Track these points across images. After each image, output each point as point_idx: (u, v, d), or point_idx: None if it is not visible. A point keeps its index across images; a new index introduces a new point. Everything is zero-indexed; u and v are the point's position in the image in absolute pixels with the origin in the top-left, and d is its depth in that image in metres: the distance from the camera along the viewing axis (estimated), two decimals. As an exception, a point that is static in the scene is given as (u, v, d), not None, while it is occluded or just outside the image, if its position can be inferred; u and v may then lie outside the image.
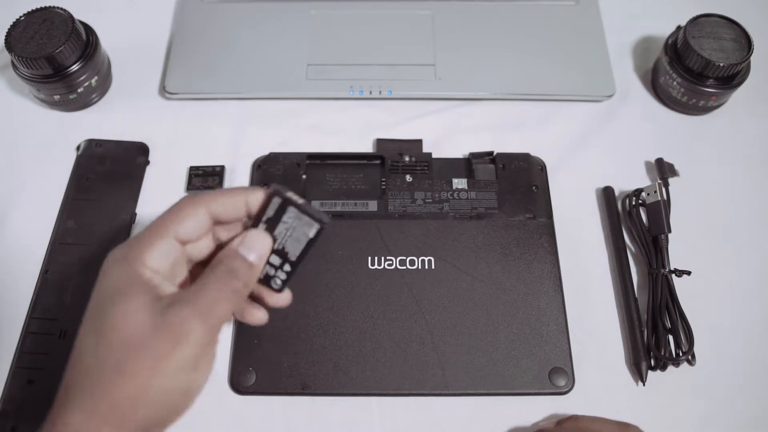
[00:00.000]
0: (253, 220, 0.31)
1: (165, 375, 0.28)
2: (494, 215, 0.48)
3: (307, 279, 0.45)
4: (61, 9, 0.49)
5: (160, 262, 0.29)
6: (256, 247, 0.31)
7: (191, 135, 0.53)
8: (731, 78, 0.50)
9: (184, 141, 0.52)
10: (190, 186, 0.49)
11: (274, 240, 0.31)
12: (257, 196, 0.31)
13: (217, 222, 0.31)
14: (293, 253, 0.31)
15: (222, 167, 0.50)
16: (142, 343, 0.27)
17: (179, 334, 0.28)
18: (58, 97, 0.51)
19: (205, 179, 0.49)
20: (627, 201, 0.48)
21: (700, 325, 0.43)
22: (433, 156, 0.50)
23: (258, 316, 0.33)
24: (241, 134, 0.53)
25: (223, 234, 0.32)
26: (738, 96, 0.53)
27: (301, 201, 0.30)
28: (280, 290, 0.32)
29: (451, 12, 0.57)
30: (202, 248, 0.32)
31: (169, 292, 0.29)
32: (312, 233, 0.31)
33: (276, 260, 0.31)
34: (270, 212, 0.30)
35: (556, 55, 0.55)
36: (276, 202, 0.30)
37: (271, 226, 0.31)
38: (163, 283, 0.30)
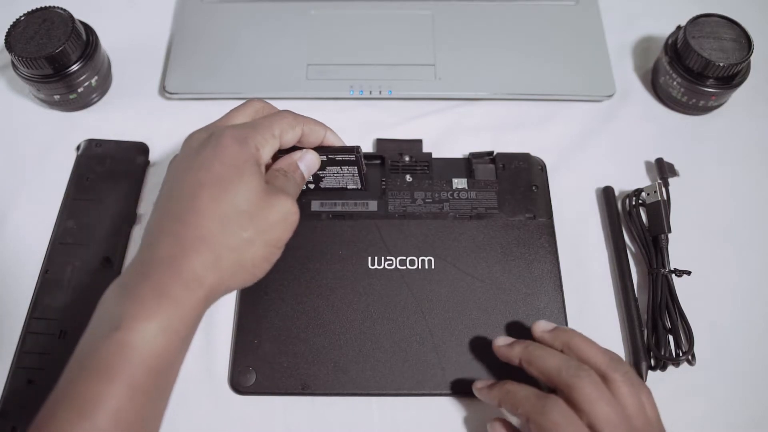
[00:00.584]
0: (320, 149, 0.41)
1: (277, 251, 0.37)
2: (494, 215, 0.48)
3: (307, 279, 0.45)
4: (61, 9, 0.49)
5: (267, 153, 0.37)
6: (310, 164, 0.41)
7: (191, 135, 0.53)
8: (731, 78, 0.50)
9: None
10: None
11: (323, 168, 0.43)
12: (333, 135, 0.41)
13: (300, 141, 0.40)
14: (324, 183, 0.44)
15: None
16: (256, 214, 0.35)
17: (287, 213, 0.36)
18: (58, 97, 0.51)
19: None
20: (627, 201, 0.48)
21: (700, 325, 0.43)
22: (433, 156, 0.50)
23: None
24: (242, 134, 0.53)
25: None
26: (738, 96, 0.53)
27: (365, 169, 0.43)
28: None
29: (451, 12, 0.57)
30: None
31: (265, 180, 0.37)
32: (350, 185, 0.45)
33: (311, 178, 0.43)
34: (338, 156, 0.41)
35: (556, 55, 0.55)
36: (349, 157, 0.41)
37: (330, 161, 0.42)
38: (261, 170, 0.37)
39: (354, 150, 0.41)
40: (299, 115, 0.40)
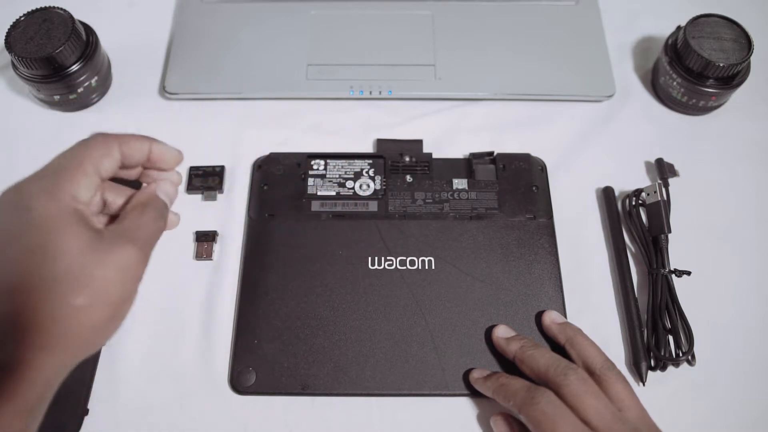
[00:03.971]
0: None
1: (112, 305, 0.29)
2: (494, 215, 0.48)
3: (307, 279, 0.45)
4: (61, 9, 0.49)
5: (87, 195, 0.30)
6: (171, 193, 0.35)
7: (191, 135, 0.53)
8: (731, 78, 0.50)
9: (184, 141, 0.52)
10: (190, 186, 0.49)
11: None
12: (159, 147, 0.34)
13: (123, 166, 0.33)
14: None
15: (222, 167, 0.50)
16: (85, 275, 0.28)
17: (126, 268, 0.29)
18: (58, 97, 0.51)
19: (205, 179, 0.49)
20: (627, 201, 0.48)
21: (700, 325, 0.43)
22: (434, 156, 0.50)
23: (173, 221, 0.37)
24: (241, 134, 0.53)
25: (108, 193, 0.34)
26: (738, 96, 0.53)
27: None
28: None
29: (451, 12, 0.57)
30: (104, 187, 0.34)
31: (99, 226, 0.31)
32: None
33: None
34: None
35: (556, 55, 0.55)
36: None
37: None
38: (92, 218, 0.31)
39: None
40: (115, 135, 0.33)
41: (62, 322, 0.28)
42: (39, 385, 0.28)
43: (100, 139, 0.32)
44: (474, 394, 0.42)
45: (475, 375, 0.41)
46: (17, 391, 0.27)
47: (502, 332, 0.42)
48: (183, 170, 0.51)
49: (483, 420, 0.42)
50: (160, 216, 0.33)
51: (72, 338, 0.28)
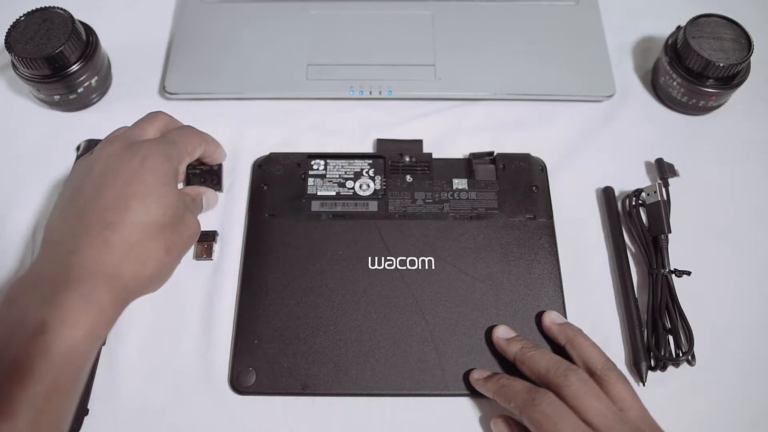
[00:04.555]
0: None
1: (179, 258, 0.40)
2: (494, 215, 0.48)
3: (308, 279, 0.45)
4: (61, 9, 0.49)
5: (183, 171, 0.47)
6: (211, 201, 0.49)
7: (191, 135, 0.53)
8: (731, 78, 0.50)
9: (184, 141, 0.52)
10: (188, 185, 0.49)
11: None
12: (221, 152, 0.48)
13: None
14: None
15: (219, 165, 0.50)
16: (174, 227, 0.39)
17: (194, 232, 0.41)
18: (58, 97, 0.51)
19: (202, 177, 0.49)
20: (627, 201, 0.48)
21: (700, 325, 0.43)
22: (434, 156, 0.50)
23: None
24: (241, 134, 0.53)
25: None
26: (738, 96, 0.53)
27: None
28: None
29: (451, 12, 0.57)
30: None
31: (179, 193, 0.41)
32: None
33: None
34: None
35: (556, 55, 0.55)
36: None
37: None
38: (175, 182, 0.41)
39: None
40: (202, 133, 0.45)
41: (152, 259, 0.37)
42: (122, 305, 0.36)
43: (196, 131, 0.44)
44: (474, 394, 0.42)
45: (475, 375, 0.41)
46: (108, 306, 0.34)
47: (502, 333, 0.42)
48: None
49: (483, 420, 0.42)
50: (199, 211, 0.46)
51: (151, 275, 0.37)
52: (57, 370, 0.31)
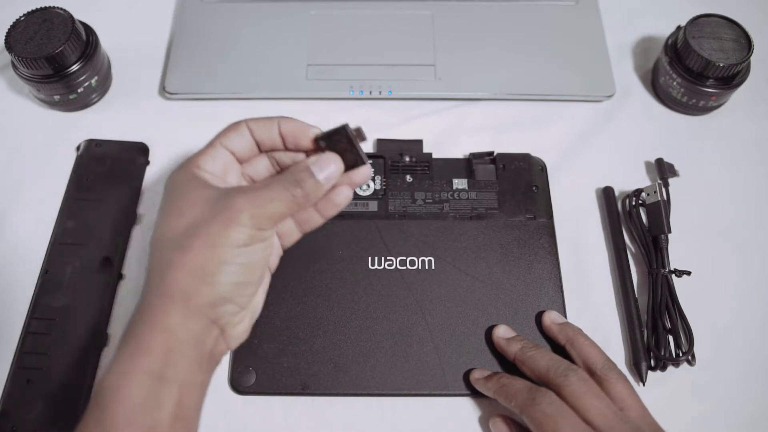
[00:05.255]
0: (325, 147, 0.35)
1: (219, 249, 0.31)
2: (494, 215, 0.48)
3: (307, 279, 0.45)
4: (61, 9, 0.49)
5: (213, 164, 0.35)
6: (329, 168, 0.34)
7: (191, 135, 0.52)
8: (731, 78, 0.50)
9: (184, 141, 0.52)
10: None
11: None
12: (287, 123, 0.35)
13: (258, 143, 0.36)
14: None
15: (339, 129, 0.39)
16: (200, 224, 0.31)
17: (229, 216, 0.31)
18: (58, 97, 0.51)
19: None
20: (627, 201, 0.48)
21: (700, 325, 0.43)
22: (434, 156, 0.50)
23: (315, 222, 0.37)
24: (241, 134, 0.52)
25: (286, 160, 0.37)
26: (738, 96, 0.53)
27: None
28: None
29: (451, 12, 0.57)
30: (259, 169, 0.37)
31: (223, 186, 0.34)
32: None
33: None
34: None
35: (556, 55, 0.55)
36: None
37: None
38: (219, 182, 0.34)
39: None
40: (244, 118, 0.36)
41: (171, 267, 0.31)
42: (160, 329, 0.31)
43: (232, 122, 0.36)
44: (474, 394, 0.42)
45: (476, 375, 0.41)
46: (142, 333, 0.31)
47: (502, 332, 0.42)
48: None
49: (483, 420, 0.42)
50: (295, 183, 0.33)
51: (181, 281, 0.31)
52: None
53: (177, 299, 0.31)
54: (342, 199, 0.35)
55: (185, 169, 0.34)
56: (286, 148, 0.36)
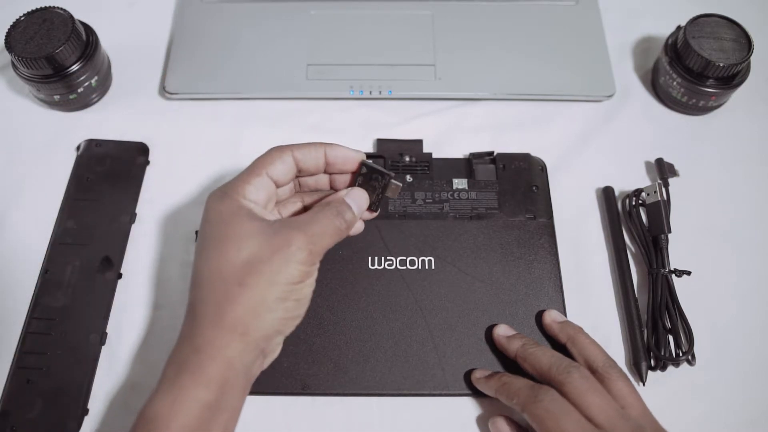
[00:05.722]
0: (350, 182, 0.38)
1: (278, 286, 0.33)
2: (494, 215, 0.48)
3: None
4: (61, 9, 0.49)
5: (258, 194, 0.36)
6: (359, 200, 0.37)
7: (191, 135, 0.53)
8: (731, 78, 0.50)
9: (184, 141, 0.52)
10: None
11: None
12: (335, 150, 0.37)
13: (300, 171, 0.37)
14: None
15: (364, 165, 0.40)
16: (260, 261, 0.33)
17: (290, 253, 0.33)
18: (58, 97, 0.51)
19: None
20: (627, 201, 0.48)
21: (700, 325, 0.43)
22: (434, 156, 0.50)
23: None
24: (241, 134, 0.53)
25: (307, 199, 0.40)
26: (738, 96, 0.53)
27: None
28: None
29: (451, 12, 0.57)
30: (282, 193, 0.38)
31: (273, 219, 0.35)
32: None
33: None
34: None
35: (556, 55, 0.55)
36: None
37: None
38: (264, 212, 0.35)
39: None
40: (289, 144, 0.37)
41: (231, 302, 0.33)
42: (219, 361, 0.32)
43: (275, 148, 0.37)
44: (474, 393, 0.42)
45: (477, 375, 0.41)
46: (200, 365, 0.32)
47: (502, 331, 0.42)
48: (183, 170, 0.51)
49: (483, 420, 0.42)
50: (338, 215, 0.36)
51: (241, 316, 0.33)
52: None
53: (236, 333, 0.33)
54: (356, 231, 0.39)
55: (231, 199, 0.35)
56: (326, 172, 0.39)
